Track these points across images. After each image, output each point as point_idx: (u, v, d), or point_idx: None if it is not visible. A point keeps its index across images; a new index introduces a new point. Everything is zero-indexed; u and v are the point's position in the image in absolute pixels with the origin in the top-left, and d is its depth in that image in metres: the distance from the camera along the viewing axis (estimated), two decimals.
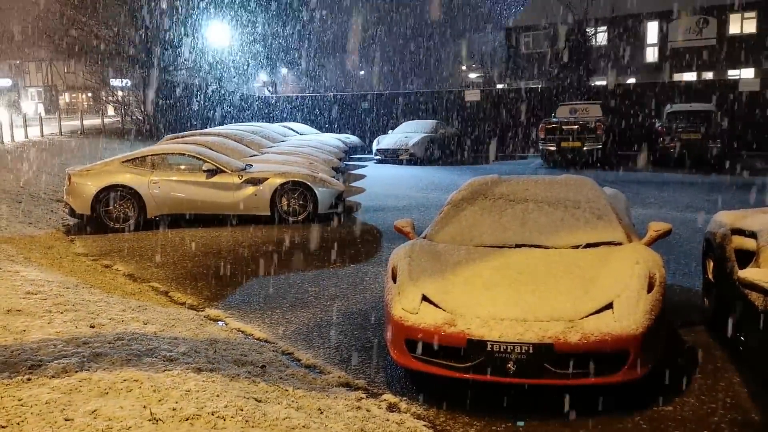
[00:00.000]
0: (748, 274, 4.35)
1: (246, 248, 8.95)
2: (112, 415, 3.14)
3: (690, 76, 31.29)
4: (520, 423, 3.94)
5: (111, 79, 30.05)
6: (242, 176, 10.68)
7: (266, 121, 25.24)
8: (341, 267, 7.86)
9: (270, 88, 38.64)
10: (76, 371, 3.69)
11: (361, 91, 34.20)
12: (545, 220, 5.25)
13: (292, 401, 3.79)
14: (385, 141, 21.36)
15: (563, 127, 18.25)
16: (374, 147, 21.62)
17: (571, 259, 4.64)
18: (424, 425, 3.87)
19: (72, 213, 10.59)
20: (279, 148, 15.89)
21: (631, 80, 31.73)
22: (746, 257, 4.82)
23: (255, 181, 10.65)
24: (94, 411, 3.16)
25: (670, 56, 33.23)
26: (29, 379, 3.54)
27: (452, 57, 61.94)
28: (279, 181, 10.64)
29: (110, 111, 32.23)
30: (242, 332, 5.58)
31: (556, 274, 4.42)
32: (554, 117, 19.52)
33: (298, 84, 48.95)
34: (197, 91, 28.09)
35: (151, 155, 10.88)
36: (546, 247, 4.92)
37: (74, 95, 53.65)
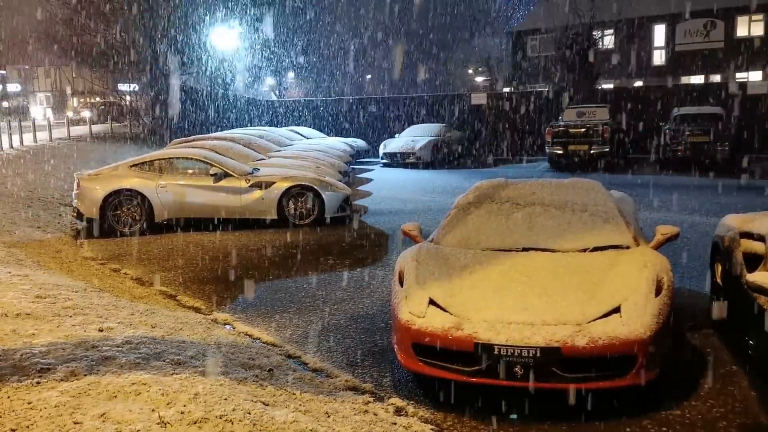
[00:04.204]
0: (757, 277, 4.34)
1: (253, 252, 8.98)
2: (120, 418, 3.15)
3: (697, 79, 31.19)
4: (513, 416, 3.96)
5: (119, 84, 30.18)
6: (249, 180, 10.72)
7: (273, 125, 25.31)
8: (348, 270, 7.87)
9: (277, 92, 38.76)
10: (85, 375, 3.71)
11: (367, 95, 34.23)
12: (552, 223, 5.24)
13: (300, 405, 3.79)
14: (392, 145, 21.40)
15: (570, 130, 18.23)
16: (381, 151, 21.65)
17: (578, 263, 4.63)
18: (432, 429, 3.86)
19: (80, 217, 10.64)
20: (286, 152, 15.93)
21: (638, 83, 31.66)
22: (755, 261, 4.80)
23: (262, 185, 10.68)
24: (103, 414, 3.18)
25: (677, 59, 33.13)
26: (38, 383, 3.55)
27: (459, 60, 61.94)
28: (286, 184, 10.67)
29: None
30: (249, 336, 5.59)
31: (564, 278, 4.41)
32: (561, 120, 19.50)
33: (304, 88, 49.06)
34: (204, 95, 28.19)
35: (159, 159, 10.93)
36: (553, 251, 4.91)
37: (82, 100, 53.95)
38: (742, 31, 31.87)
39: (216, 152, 12.02)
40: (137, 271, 8.09)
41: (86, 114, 34.97)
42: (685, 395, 4.21)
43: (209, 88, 29.00)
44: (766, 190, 13.09)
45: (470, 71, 61.39)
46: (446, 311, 4.22)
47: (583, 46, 26.60)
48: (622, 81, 32.36)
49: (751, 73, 31.04)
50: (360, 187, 15.55)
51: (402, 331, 4.28)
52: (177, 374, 3.88)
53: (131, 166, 10.79)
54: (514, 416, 3.98)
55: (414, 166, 20.45)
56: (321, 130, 25.04)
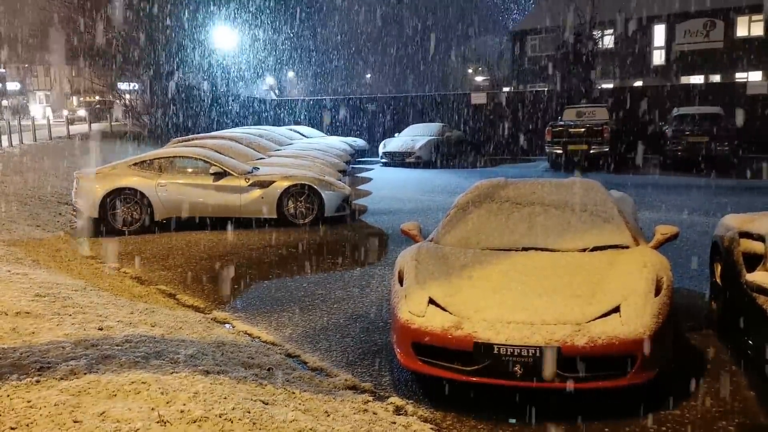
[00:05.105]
0: (756, 277, 4.34)
1: (252, 251, 8.98)
2: (120, 417, 3.15)
3: (697, 79, 31.20)
4: (512, 420, 3.96)
5: (119, 83, 30.20)
6: (249, 179, 10.72)
7: (273, 124, 25.30)
8: (348, 270, 7.87)
9: (276, 91, 38.76)
10: (85, 373, 3.71)
11: (367, 95, 34.20)
12: (552, 223, 5.24)
13: (299, 404, 3.79)
14: (392, 144, 21.40)
15: (570, 130, 18.24)
16: (380, 150, 21.66)
17: (578, 263, 4.63)
18: (431, 428, 3.87)
19: (80, 215, 10.63)
20: (286, 151, 15.94)
21: (638, 83, 31.65)
22: (754, 261, 4.80)
23: (262, 184, 10.68)
24: (103, 413, 3.18)
25: (676, 59, 33.14)
26: (38, 381, 3.56)
27: (459, 60, 61.94)
28: (286, 184, 10.67)
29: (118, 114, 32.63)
30: (249, 335, 5.60)
31: (563, 278, 4.42)
32: (561, 120, 19.51)
33: (304, 87, 49.06)
34: (204, 94, 28.18)
35: (159, 158, 10.92)
36: (553, 251, 4.91)
37: (82, 99, 54.01)
38: (741, 31, 31.89)
39: (216, 151, 12.01)
40: (137, 270, 8.09)
41: (82, 113, 35.09)
42: (685, 395, 4.21)
43: (208, 87, 28.99)
44: (765, 191, 13.11)
45: (470, 71, 61.42)
46: (446, 311, 4.22)
47: (582, 46, 26.58)
48: (622, 81, 32.36)
49: (751, 73, 31.06)
50: (360, 187, 15.54)
51: (401, 331, 4.28)
52: (177, 373, 3.88)
53: (131, 165, 10.79)
54: (513, 420, 3.97)
55: (414, 165, 20.45)
56: (320, 130, 25.03)
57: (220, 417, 3.28)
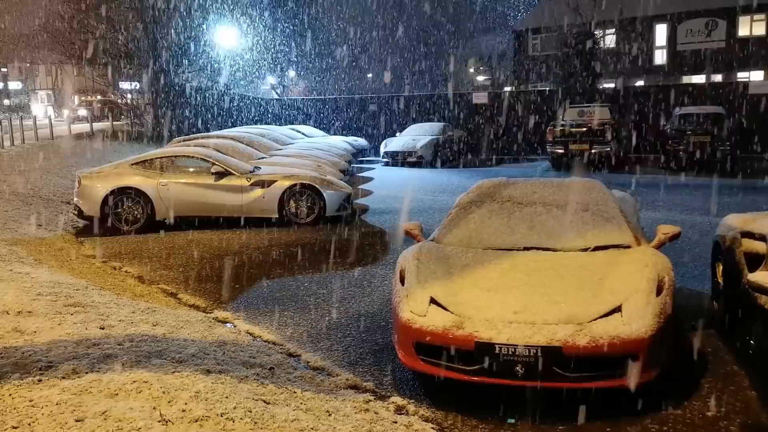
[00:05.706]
0: (758, 277, 4.34)
1: (254, 250, 8.98)
2: (122, 416, 3.15)
3: (698, 79, 31.16)
4: (511, 420, 3.96)
5: (120, 82, 30.21)
6: (250, 179, 10.72)
7: (274, 124, 25.31)
8: (349, 269, 7.87)
9: (278, 91, 38.77)
10: (87, 372, 3.71)
11: (368, 94, 34.19)
12: (553, 223, 5.24)
13: (301, 403, 3.80)
14: (393, 144, 21.40)
15: (571, 129, 18.22)
16: (382, 150, 21.66)
17: (579, 262, 4.63)
18: (432, 428, 3.87)
19: (81, 215, 10.65)
20: (287, 151, 15.95)
21: (640, 83, 31.62)
22: (756, 261, 4.80)
23: (263, 184, 10.68)
24: (105, 412, 3.18)
25: (678, 58, 33.10)
26: (40, 380, 3.56)
27: (460, 59, 61.93)
28: (287, 183, 10.67)
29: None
30: (251, 334, 5.60)
31: (565, 277, 4.41)
32: (562, 120, 19.49)
33: (305, 86, 49.07)
34: (205, 93, 28.18)
35: (160, 158, 10.93)
36: (554, 250, 4.91)
37: (83, 98, 54.04)
38: (743, 30, 31.84)
39: (217, 150, 12.02)
40: (138, 269, 8.10)
41: (82, 113, 35.15)
42: (686, 395, 4.21)
43: (210, 87, 28.99)
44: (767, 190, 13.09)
45: (471, 70, 61.39)
46: (447, 310, 4.22)
47: (584, 45, 26.54)
48: (624, 80, 32.31)
49: (753, 72, 31.02)
50: (361, 186, 15.54)
51: (403, 330, 4.28)
52: (178, 372, 3.89)
53: (132, 164, 10.80)
54: (512, 420, 3.97)
55: (415, 165, 20.45)
56: (322, 129, 25.04)
57: (221, 416, 3.28)
